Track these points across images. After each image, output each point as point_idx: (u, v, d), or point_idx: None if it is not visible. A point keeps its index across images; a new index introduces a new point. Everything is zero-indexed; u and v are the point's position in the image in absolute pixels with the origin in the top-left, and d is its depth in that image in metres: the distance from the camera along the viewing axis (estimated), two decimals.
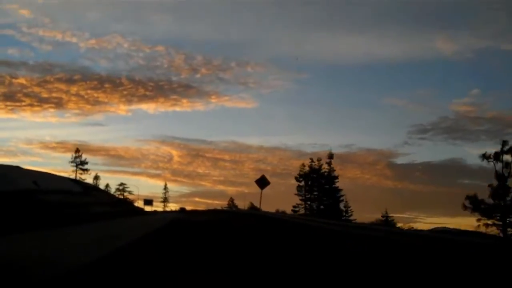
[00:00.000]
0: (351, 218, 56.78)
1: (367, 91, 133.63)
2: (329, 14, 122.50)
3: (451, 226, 40.08)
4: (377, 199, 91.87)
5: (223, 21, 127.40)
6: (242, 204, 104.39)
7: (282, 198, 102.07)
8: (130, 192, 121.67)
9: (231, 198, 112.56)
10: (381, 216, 53.44)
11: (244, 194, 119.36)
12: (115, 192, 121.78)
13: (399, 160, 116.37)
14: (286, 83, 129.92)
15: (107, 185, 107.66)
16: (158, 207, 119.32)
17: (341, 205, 60.53)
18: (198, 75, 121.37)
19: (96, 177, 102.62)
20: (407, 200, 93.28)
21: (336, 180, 64.23)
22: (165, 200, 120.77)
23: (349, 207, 58.42)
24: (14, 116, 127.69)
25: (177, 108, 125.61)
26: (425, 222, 46.52)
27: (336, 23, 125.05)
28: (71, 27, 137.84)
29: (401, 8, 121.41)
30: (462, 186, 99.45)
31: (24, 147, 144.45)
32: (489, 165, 41.02)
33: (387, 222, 51.22)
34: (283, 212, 54.17)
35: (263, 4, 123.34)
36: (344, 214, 55.89)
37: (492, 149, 45.01)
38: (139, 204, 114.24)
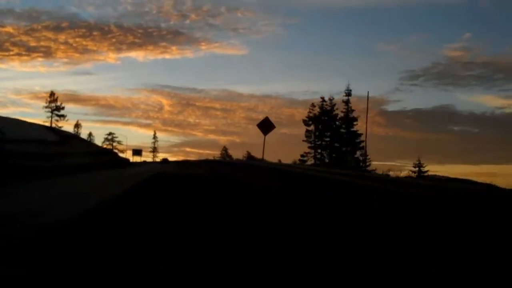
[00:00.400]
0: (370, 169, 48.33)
1: (358, 36, 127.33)
2: None
3: (441, 174, 35.68)
4: (368, 147, 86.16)
5: None
6: (236, 154, 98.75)
7: (277, 148, 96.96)
8: (119, 142, 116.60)
9: (224, 147, 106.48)
10: (413, 166, 46.66)
11: (236, 143, 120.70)
12: (103, 142, 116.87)
13: (390, 107, 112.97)
14: (277, 28, 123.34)
15: (89, 134, 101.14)
16: (147, 157, 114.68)
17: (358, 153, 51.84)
18: (187, 21, 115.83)
19: (77, 125, 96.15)
20: (398, 147, 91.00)
21: (355, 123, 54.53)
22: (154, 150, 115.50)
23: (367, 155, 48.43)
24: (2, 65, 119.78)
25: (167, 56, 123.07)
26: (414, 171, 45.33)
27: None
28: None
29: None
30: (452, 133, 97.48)
31: (14, 97, 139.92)
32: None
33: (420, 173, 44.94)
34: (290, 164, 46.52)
35: None
36: (361, 164, 48.08)
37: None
38: (128, 154, 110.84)
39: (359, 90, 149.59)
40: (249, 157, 67.99)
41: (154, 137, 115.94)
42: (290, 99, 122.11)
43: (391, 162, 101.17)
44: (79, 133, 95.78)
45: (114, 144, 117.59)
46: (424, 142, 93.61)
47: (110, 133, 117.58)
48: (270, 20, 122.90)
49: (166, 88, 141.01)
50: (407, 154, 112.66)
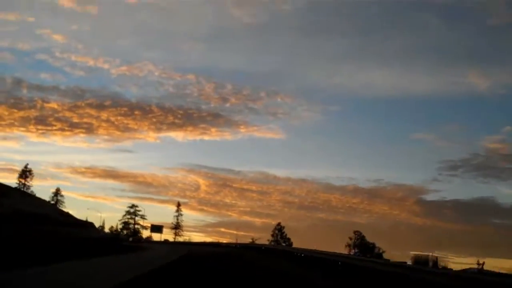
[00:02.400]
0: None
1: (396, 125, 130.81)
2: (359, 47, 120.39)
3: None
4: (405, 236, 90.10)
5: (253, 51, 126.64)
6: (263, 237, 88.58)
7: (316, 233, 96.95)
8: (142, 217, 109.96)
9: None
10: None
11: (271, 226, 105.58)
12: (124, 215, 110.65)
13: (429, 197, 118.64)
14: (315, 114, 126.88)
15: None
16: (168, 234, 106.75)
17: None
18: (227, 104, 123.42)
19: (56, 193, 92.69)
20: (436, 238, 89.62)
21: None
22: (177, 227, 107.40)
23: None
24: (45, 140, 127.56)
25: (206, 137, 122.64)
26: (454, 262, 44.04)
27: (367, 56, 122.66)
28: (103, 53, 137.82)
29: (433, 42, 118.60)
30: (493, 226, 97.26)
31: (54, 171, 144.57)
32: None
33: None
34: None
35: (294, 35, 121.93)
36: None
37: None
38: (144, 233, 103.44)
39: (395, 178, 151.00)
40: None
41: (178, 211, 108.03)
42: (326, 184, 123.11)
43: (430, 253, 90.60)
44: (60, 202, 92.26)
45: (137, 218, 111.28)
46: (464, 234, 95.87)
47: (132, 205, 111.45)
48: (309, 106, 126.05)
49: (204, 169, 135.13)
50: (445, 245, 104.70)
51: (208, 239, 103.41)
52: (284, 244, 67.14)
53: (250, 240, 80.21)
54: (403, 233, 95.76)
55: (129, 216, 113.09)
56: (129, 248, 39.73)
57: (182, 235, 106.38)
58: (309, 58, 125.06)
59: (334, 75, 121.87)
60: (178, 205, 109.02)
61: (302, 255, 29.99)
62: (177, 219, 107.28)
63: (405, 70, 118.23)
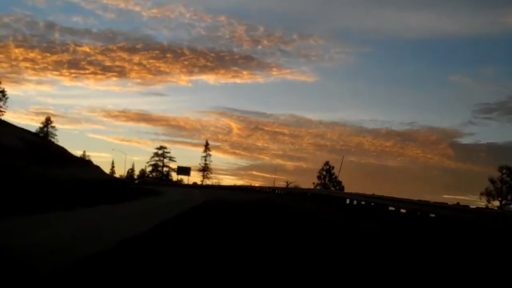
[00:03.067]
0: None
1: (431, 67, 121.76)
2: None
3: None
4: (438, 179, 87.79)
5: None
6: (302, 181, 78.61)
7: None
8: (171, 159, 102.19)
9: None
10: None
11: (303, 169, 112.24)
12: (152, 157, 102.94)
13: (463, 140, 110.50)
14: (349, 57, 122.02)
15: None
16: (196, 177, 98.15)
17: None
18: (259, 47, 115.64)
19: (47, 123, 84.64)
20: (469, 182, 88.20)
21: None
22: (204, 169, 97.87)
23: None
24: (78, 83, 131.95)
25: (238, 80, 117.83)
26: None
27: None
28: None
29: None
30: None
31: (88, 115, 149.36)
32: None
33: None
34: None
35: None
36: None
37: None
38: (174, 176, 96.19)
39: (429, 121, 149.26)
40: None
41: (205, 151, 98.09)
42: (359, 127, 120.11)
43: (461, 196, 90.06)
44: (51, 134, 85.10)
45: (165, 160, 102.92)
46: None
47: (160, 147, 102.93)
48: (342, 48, 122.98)
49: (236, 112, 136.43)
50: (477, 190, 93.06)
51: (240, 182, 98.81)
52: (333, 189, 55.22)
53: (285, 184, 70.42)
54: (436, 176, 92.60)
55: (157, 158, 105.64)
56: (132, 193, 29.08)
57: (211, 178, 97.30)
58: (342, 0, 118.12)
59: (368, 16, 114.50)
60: (206, 144, 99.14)
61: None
62: (205, 160, 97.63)
63: (440, 11, 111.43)
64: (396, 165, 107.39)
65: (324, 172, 63.18)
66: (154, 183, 68.55)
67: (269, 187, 54.97)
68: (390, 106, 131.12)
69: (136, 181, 75.40)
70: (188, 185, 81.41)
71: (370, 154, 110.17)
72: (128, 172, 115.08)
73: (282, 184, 72.66)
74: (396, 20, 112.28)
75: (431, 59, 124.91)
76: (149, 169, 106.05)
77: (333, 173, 60.18)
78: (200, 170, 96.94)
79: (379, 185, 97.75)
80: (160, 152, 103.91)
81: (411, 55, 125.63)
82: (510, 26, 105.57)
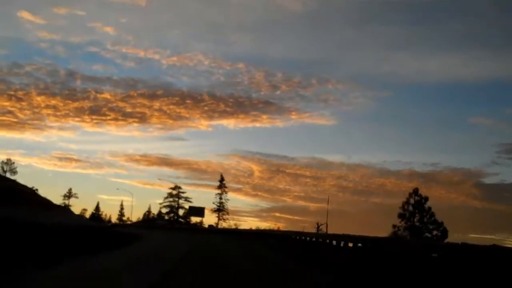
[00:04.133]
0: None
1: (451, 109, 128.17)
2: (412, 32, 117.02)
3: None
4: (464, 219, 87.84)
5: (303, 38, 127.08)
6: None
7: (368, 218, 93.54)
8: (186, 199, 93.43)
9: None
10: None
11: (325, 210, 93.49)
12: (166, 198, 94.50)
13: (487, 180, 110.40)
14: (368, 101, 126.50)
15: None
16: (210, 218, 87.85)
17: None
18: (278, 92, 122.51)
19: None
20: (496, 221, 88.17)
21: None
22: (220, 210, 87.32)
23: None
24: (100, 129, 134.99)
25: (257, 124, 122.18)
26: None
27: (420, 42, 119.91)
28: (153, 45, 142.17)
29: (489, 26, 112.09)
30: None
31: (110, 159, 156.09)
32: None
33: None
34: None
35: (344, 22, 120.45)
36: None
37: None
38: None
39: (452, 162, 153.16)
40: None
41: (220, 189, 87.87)
42: (382, 168, 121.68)
43: (489, 236, 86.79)
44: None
45: (181, 201, 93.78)
46: None
47: (175, 187, 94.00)
48: (360, 92, 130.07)
49: (257, 155, 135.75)
50: (505, 229, 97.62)
51: (263, 224, 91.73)
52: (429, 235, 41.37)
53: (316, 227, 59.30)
54: (461, 216, 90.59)
55: (171, 199, 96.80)
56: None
57: (227, 219, 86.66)
58: (361, 45, 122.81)
59: (386, 61, 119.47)
60: (221, 180, 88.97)
61: None
62: (220, 199, 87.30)
63: (459, 54, 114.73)
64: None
65: (410, 207, 46.33)
66: (148, 227, 58.75)
67: (296, 232, 36.56)
68: (412, 148, 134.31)
69: (109, 224, 66.64)
70: (197, 229, 71.06)
71: (394, 195, 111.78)
72: (144, 215, 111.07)
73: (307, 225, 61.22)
74: (414, 64, 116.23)
75: (452, 101, 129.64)
76: (164, 210, 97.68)
77: (428, 208, 45.41)
78: (214, 211, 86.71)
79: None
80: (174, 192, 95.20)
81: (431, 98, 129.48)
82: None
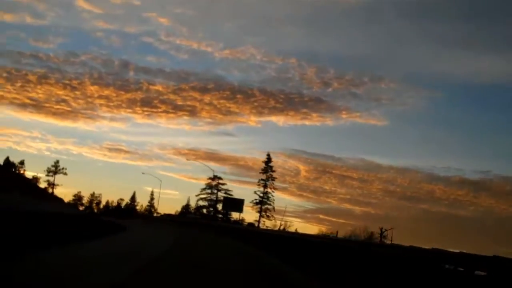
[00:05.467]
0: None
1: (507, 113, 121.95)
2: (468, 31, 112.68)
3: None
4: None
5: (357, 35, 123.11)
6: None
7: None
8: (227, 192, 78.15)
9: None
10: None
11: (371, 215, 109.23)
12: (204, 189, 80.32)
13: None
14: (421, 101, 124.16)
15: None
16: (250, 213, 71.15)
17: None
18: (329, 89, 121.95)
19: None
20: None
21: None
22: (261, 202, 70.31)
23: None
24: (150, 121, 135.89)
25: (307, 122, 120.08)
26: None
27: (477, 41, 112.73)
28: (206, 37, 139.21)
29: None
30: None
31: (158, 152, 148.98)
32: None
33: None
34: None
35: (399, 19, 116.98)
36: None
37: None
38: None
39: (504, 170, 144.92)
40: None
41: (266, 173, 70.85)
42: (431, 174, 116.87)
43: None
44: None
45: (220, 194, 78.54)
46: None
47: (214, 177, 78.84)
48: (414, 92, 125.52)
49: (304, 154, 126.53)
50: None
51: (308, 228, 77.27)
52: None
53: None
54: (510, 228, 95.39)
55: (209, 191, 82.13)
56: None
57: (272, 217, 69.43)
58: (415, 42, 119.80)
59: (441, 60, 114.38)
60: (268, 161, 72.09)
61: None
62: (265, 187, 69.99)
63: None
64: (469, 215, 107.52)
65: None
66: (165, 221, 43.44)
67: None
68: (463, 153, 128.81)
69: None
70: (231, 228, 54.40)
71: (442, 202, 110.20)
72: (182, 208, 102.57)
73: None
74: (470, 64, 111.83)
75: (508, 104, 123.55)
76: (202, 203, 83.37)
77: None
78: (256, 204, 69.83)
79: (448, 236, 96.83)
80: (214, 183, 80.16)
81: (486, 100, 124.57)
82: None
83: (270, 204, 70.71)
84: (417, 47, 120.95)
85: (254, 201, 70.59)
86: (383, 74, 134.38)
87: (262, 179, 71.75)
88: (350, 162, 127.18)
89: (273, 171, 72.62)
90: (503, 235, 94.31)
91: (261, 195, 70.56)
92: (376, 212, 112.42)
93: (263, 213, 69.62)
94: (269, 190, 70.65)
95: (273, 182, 71.78)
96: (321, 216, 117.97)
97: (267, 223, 68.24)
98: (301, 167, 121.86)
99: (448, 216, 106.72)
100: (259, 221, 68.38)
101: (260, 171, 72.64)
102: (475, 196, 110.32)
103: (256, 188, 73.74)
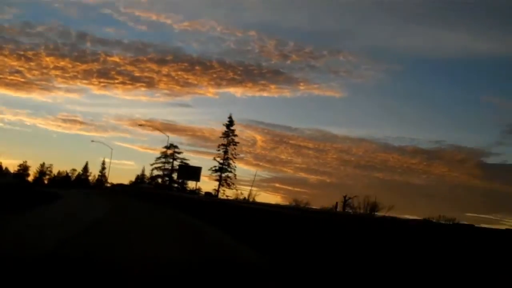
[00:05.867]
0: None
1: (461, 87, 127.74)
2: (428, 6, 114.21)
3: None
4: (463, 198, 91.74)
5: (316, 8, 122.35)
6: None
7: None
8: (183, 161, 73.72)
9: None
10: None
11: (326, 183, 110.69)
12: (159, 158, 74.15)
13: (490, 160, 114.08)
14: (378, 73, 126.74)
15: None
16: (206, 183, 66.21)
17: None
18: (288, 62, 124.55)
19: None
20: (495, 201, 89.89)
21: None
22: (221, 169, 64.99)
23: None
24: (106, 93, 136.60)
25: (264, 94, 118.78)
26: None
27: (435, 16, 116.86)
28: (166, 9, 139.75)
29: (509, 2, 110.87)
30: None
31: (115, 123, 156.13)
32: None
33: None
34: None
35: None
36: None
37: None
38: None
39: (457, 140, 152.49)
40: None
41: (227, 136, 65.31)
42: (385, 144, 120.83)
43: (486, 215, 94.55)
44: None
45: (176, 163, 72.93)
46: None
47: (171, 145, 73.04)
48: (372, 65, 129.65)
49: (261, 125, 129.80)
50: (503, 209, 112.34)
51: (264, 197, 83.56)
52: None
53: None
54: (461, 195, 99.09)
55: (164, 160, 76.34)
56: None
57: (233, 186, 64.61)
58: (375, 17, 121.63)
59: (400, 34, 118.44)
60: (230, 124, 66.79)
61: None
62: (225, 153, 64.83)
63: (473, 30, 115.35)
64: (421, 182, 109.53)
65: None
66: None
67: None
68: (418, 124, 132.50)
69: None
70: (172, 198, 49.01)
71: (395, 171, 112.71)
72: (136, 177, 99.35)
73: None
74: (428, 39, 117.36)
75: (462, 78, 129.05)
76: (157, 173, 77.77)
77: None
78: (215, 171, 64.63)
79: (403, 202, 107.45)
80: (169, 152, 74.17)
81: (442, 74, 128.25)
82: None
83: (231, 171, 65.90)
84: (378, 21, 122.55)
85: (213, 168, 65.61)
86: (343, 48, 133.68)
87: (222, 144, 66.50)
88: (307, 132, 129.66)
89: (235, 135, 67.48)
90: (455, 202, 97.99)
91: (221, 161, 65.39)
92: (332, 181, 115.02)
93: (223, 182, 64.61)
94: (230, 156, 65.53)
95: (235, 146, 66.67)
96: (277, 185, 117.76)
97: (227, 192, 63.47)
98: (258, 137, 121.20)
99: (402, 184, 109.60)
100: (218, 190, 63.38)
101: (221, 135, 67.39)
102: (428, 165, 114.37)
103: (213, 159, 68.53)
